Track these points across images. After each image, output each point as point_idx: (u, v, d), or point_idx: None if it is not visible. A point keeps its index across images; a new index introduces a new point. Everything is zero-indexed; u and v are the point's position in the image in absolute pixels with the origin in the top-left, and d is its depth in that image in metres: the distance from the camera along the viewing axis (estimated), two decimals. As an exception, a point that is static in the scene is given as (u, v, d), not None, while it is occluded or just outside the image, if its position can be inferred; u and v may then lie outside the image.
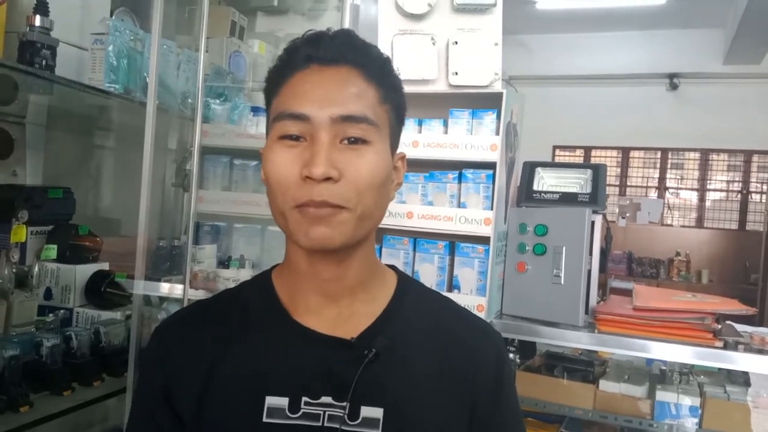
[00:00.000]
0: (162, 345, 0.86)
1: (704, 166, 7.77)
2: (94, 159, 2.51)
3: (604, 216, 1.67)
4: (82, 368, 1.81)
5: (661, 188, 7.92)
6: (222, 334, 0.83)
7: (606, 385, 1.74)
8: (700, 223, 7.75)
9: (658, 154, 7.93)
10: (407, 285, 0.90)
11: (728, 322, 1.55)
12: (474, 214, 1.56)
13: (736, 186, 7.67)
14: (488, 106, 1.60)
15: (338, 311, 0.83)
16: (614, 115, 7.47)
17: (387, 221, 1.59)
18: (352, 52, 0.80)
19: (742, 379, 1.75)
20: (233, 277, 1.87)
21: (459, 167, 1.61)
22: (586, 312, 1.58)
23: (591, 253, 1.59)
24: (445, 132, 1.64)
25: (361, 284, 0.84)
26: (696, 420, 1.64)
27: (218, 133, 1.93)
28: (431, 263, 1.60)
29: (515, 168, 1.73)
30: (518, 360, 1.84)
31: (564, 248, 1.52)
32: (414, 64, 1.62)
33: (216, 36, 2.37)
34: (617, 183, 8.03)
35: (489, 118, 1.60)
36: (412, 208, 1.61)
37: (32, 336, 1.73)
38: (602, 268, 1.66)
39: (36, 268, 1.89)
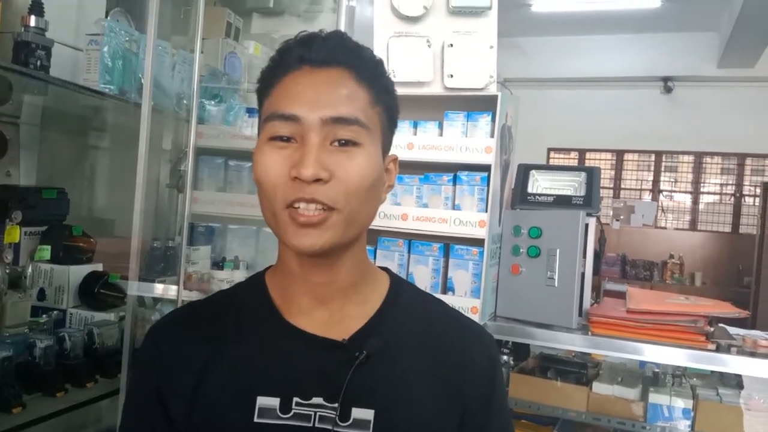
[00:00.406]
0: (155, 345, 0.86)
1: (698, 169, 7.81)
2: (88, 160, 2.50)
3: (598, 218, 1.68)
4: (76, 369, 1.80)
5: (655, 191, 7.95)
6: (215, 335, 0.83)
7: (599, 387, 1.74)
8: (693, 225, 7.79)
9: (652, 157, 7.96)
10: (399, 287, 0.90)
11: (721, 324, 1.56)
12: (469, 217, 1.56)
13: (730, 189, 7.71)
14: (483, 109, 1.61)
15: (330, 313, 0.83)
16: (609, 117, 7.50)
17: (382, 223, 1.60)
18: (344, 54, 0.80)
19: (735, 381, 1.76)
20: (227, 278, 1.86)
21: (454, 169, 1.62)
22: (580, 314, 1.58)
23: (585, 256, 1.60)
24: (440, 134, 1.65)
25: (353, 286, 0.84)
26: (689, 422, 1.64)
27: (213, 135, 1.93)
28: (426, 265, 1.61)
29: (510, 170, 1.73)
30: (512, 362, 1.85)
31: (558, 251, 1.53)
32: (409, 66, 1.63)
33: (211, 37, 2.37)
34: (611, 185, 8.06)
35: (484, 121, 1.61)
36: (406, 210, 1.62)
37: (25, 337, 1.73)
38: (596, 271, 1.66)
39: (29, 269, 1.88)
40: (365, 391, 0.78)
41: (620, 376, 1.81)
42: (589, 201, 1.63)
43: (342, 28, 1.77)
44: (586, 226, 1.58)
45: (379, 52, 0.85)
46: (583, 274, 1.60)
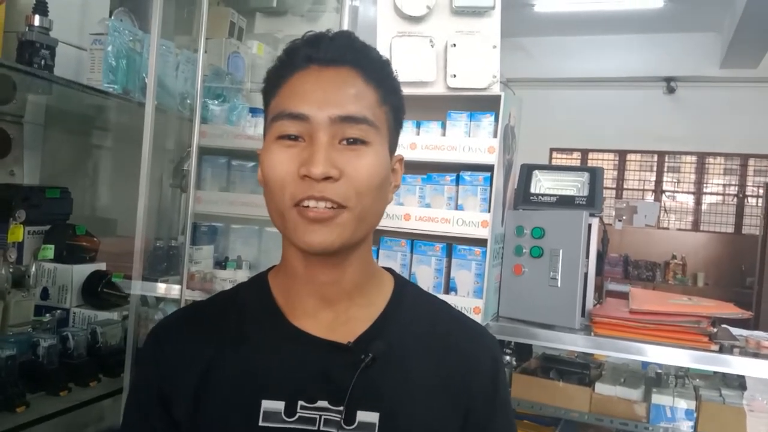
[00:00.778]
0: (158, 346, 0.85)
1: (701, 170, 7.80)
2: (91, 159, 2.50)
3: (601, 219, 1.68)
4: (79, 368, 1.81)
5: (658, 191, 7.94)
6: (218, 336, 0.83)
7: (602, 388, 1.74)
8: (696, 226, 7.77)
9: (655, 157, 7.95)
10: (404, 288, 0.89)
11: (724, 325, 1.55)
12: (471, 217, 1.56)
13: (733, 189, 7.69)
14: (486, 109, 1.61)
15: (335, 315, 0.83)
16: (611, 118, 7.49)
17: (384, 223, 1.60)
18: (351, 54, 0.80)
19: (738, 382, 1.76)
20: (230, 278, 1.87)
21: (457, 169, 1.62)
22: (583, 315, 1.58)
23: (588, 256, 1.60)
24: (443, 134, 1.65)
25: (358, 287, 0.84)
26: (691, 423, 1.64)
27: (216, 134, 1.93)
28: (428, 265, 1.61)
29: (513, 170, 1.73)
30: (514, 362, 1.84)
31: (561, 251, 1.53)
32: (412, 66, 1.63)
33: (215, 37, 2.37)
34: (614, 186, 8.04)
35: (487, 121, 1.60)
36: (409, 210, 1.62)
37: (29, 336, 1.73)
38: (599, 271, 1.66)
39: (33, 268, 1.88)
40: (370, 393, 0.78)
41: (623, 376, 1.81)
42: (592, 201, 1.63)
43: (345, 27, 1.77)
44: (589, 226, 1.58)
45: (382, 52, 0.84)
46: (585, 275, 1.60)
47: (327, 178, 0.74)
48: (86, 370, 1.83)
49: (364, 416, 0.77)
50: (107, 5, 2.23)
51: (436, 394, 0.81)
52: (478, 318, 1.51)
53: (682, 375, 1.85)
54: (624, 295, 1.70)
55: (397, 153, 0.87)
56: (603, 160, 8.12)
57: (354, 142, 0.77)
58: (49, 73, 1.80)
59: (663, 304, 1.54)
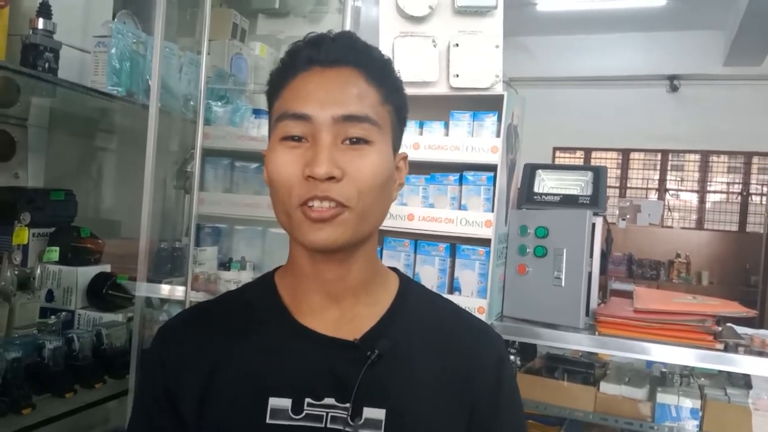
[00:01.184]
0: (164, 346, 0.86)
1: (704, 168, 7.78)
2: (95, 161, 2.51)
3: (605, 218, 1.67)
4: (84, 370, 1.81)
5: (662, 190, 7.93)
6: (224, 336, 0.84)
7: (606, 388, 1.74)
8: (700, 224, 7.76)
9: (659, 156, 7.94)
10: (409, 287, 0.90)
11: (729, 324, 1.55)
12: (475, 216, 1.56)
13: (737, 188, 7.68)
14: (489, 108, 1.61)
15: (341, 313, 0.83)
16: (614, 116, 7.48)
17: (388, 223, 1.60)
18: (353, 54, 0.81)
19: (743, 381, 1.75)
20: (234, 279, 1.87)
21: (460, 169, 1.62)
22: (587, 314, 1.58)
23: (591, 255, 1.60)
24: (446, 134, 1.65)
25: (363, 285, 0.84)
26: (697, 422, 1.64)
27: (220, 136, 1.94)
28: (432, 265, 1.61)
29: (516, 170, 1.73)
30: (519, 362, 1.84)
31: (565, 250, 1.53)
32: (415, 66, 1.63)
33: (218, 38, 2.38)
34: (617, 185, 8.04)
35: (490, 120, 1.60)
36: (413, 210, 1.62)
37: (34, 338, 1.74)
38: (603, 270, 1.66)
39: (38, 270, 1.88)
40: (376, 391, 0.78)
41: (628, 376, 1.80)
42: (596, 200, 1.63)
43: (347, 28, 1.77)
44: (593, 225, 1.58)
45: (384, 52, 0.85)
46: (590, 274, 1.60)
47: (330, 178, 0.75)
48: (91, 372, 1.83)
49: (370, 413, 0.78)
50: (110, 8, 2.24)
51: (441, 391, 0.82)
52: (482, 318, 1.51)
53: (687, 374, 1.85)
54: (628, 295, 1.70)
55: (401, 151, 0.87)
56: (606, 159, 8.11)
57: (357, 141, 0.77)
58: (53, 76, 1.81)
59: (667, 303, 1.54)
